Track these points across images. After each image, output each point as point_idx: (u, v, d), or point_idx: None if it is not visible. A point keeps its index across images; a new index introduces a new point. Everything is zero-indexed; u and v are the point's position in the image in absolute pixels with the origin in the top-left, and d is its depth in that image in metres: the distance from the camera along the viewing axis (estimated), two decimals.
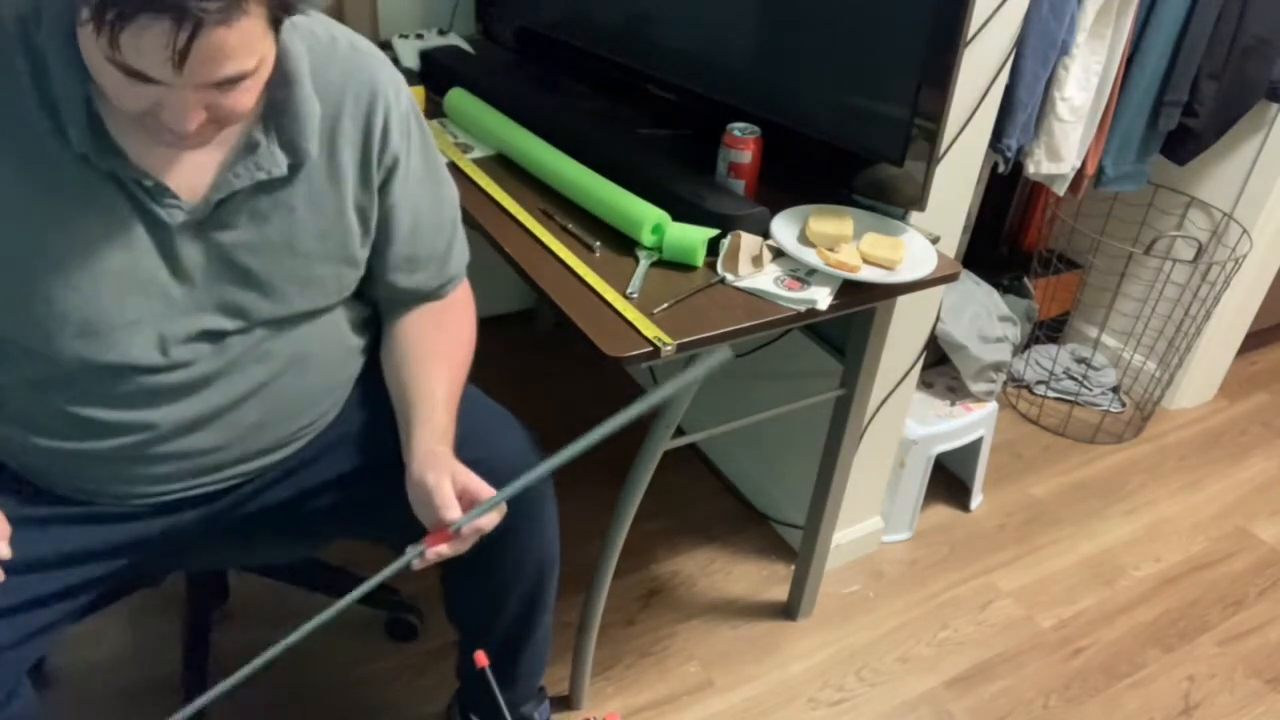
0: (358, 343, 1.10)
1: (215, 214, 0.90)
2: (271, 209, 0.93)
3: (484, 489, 0.93)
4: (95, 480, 0.99)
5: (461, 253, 1.13)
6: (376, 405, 1.09)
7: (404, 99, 1.01)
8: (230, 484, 1.05)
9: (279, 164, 0.91)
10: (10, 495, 0.98)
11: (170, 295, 0.91)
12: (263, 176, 0.91)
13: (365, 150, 0.97)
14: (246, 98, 0.81)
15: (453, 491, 0.92)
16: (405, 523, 1.11)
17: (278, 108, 0.90)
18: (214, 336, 0.95)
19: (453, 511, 0.91)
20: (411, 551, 0.89)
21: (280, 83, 0.89)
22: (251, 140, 0.90)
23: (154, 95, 0.76)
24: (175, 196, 0.88)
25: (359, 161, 0.97)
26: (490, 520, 0.93)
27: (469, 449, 1.06)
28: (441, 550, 0.91)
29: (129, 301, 0.89)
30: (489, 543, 1.11)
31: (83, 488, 0.99)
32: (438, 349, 1.07)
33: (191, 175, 0.89)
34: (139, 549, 1.03)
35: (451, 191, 1.11)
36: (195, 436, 0.98)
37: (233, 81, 0.78)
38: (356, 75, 0.96)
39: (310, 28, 0.93)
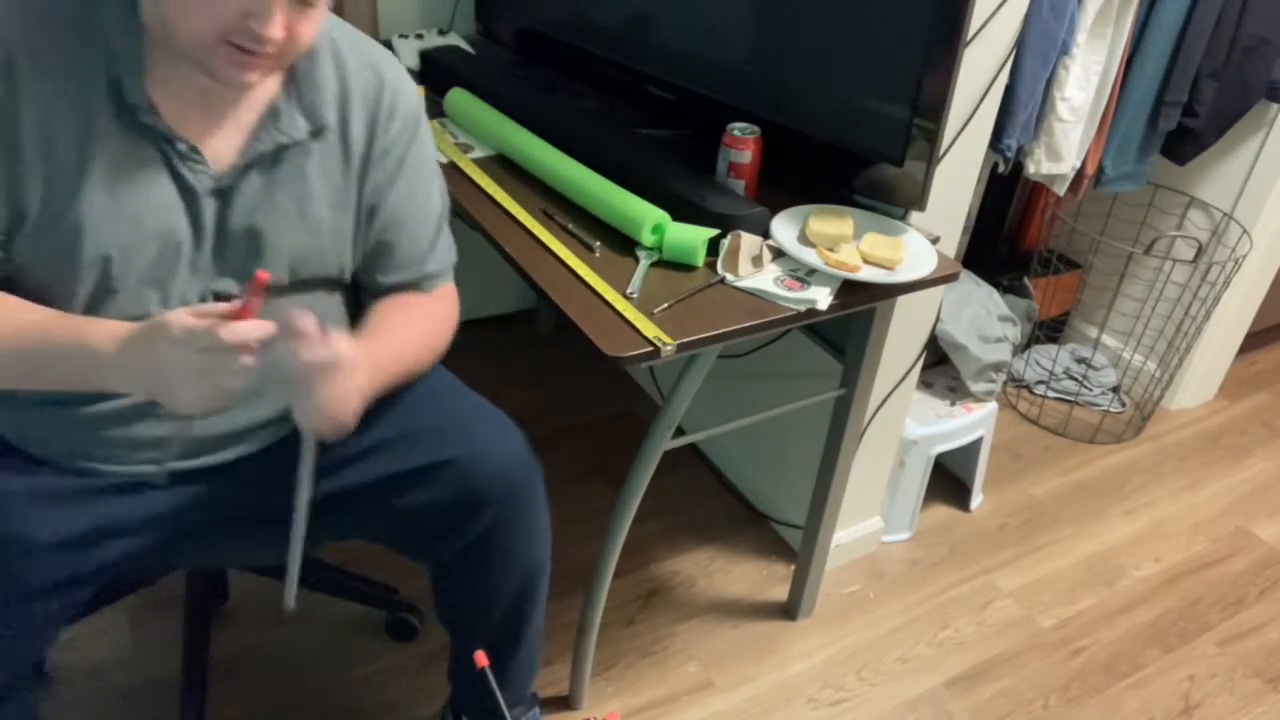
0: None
1: (236, 181, 0.95)
2: (287, 176, 0.98)
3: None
4: (97, 443, 0.99)
5: (443, 253, 1.14)
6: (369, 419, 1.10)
7: (410, 92, 1.05)
8: (228, 459, 1.06)
9: (300, 128, 0.97)
10: (9, 473, 0.98)
11: (187, 257, 0.95)
12: (284, 140, 0.96)
13: (372, 130, 1.02)
14: (312, 28, 0.88)
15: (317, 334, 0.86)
16: (399, 525, 1.11)
17: (299, 75, 0.97)
18: (218, 298, 0.98)
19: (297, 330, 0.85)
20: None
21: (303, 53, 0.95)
22: (274, 107, 0.95)
23: (245, 1, 0.82)
24: (204, 162, 0.93)
25: (367, 140, 1.02)
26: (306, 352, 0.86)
27: (458, 445, 1.06)
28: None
29: (152, 259, 0.93)
30: (477, 544, 1.11)
31: (88, 452, 1.00)
32: (392, 321, 1.07)
33: (220, 142, 0.94)
34: (144, 529, 1.03)
35: (442, 192, 1.13)
36: None
37: None
38: (368, 60, 1.02)
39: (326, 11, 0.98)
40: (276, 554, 1.28)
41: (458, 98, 1.56)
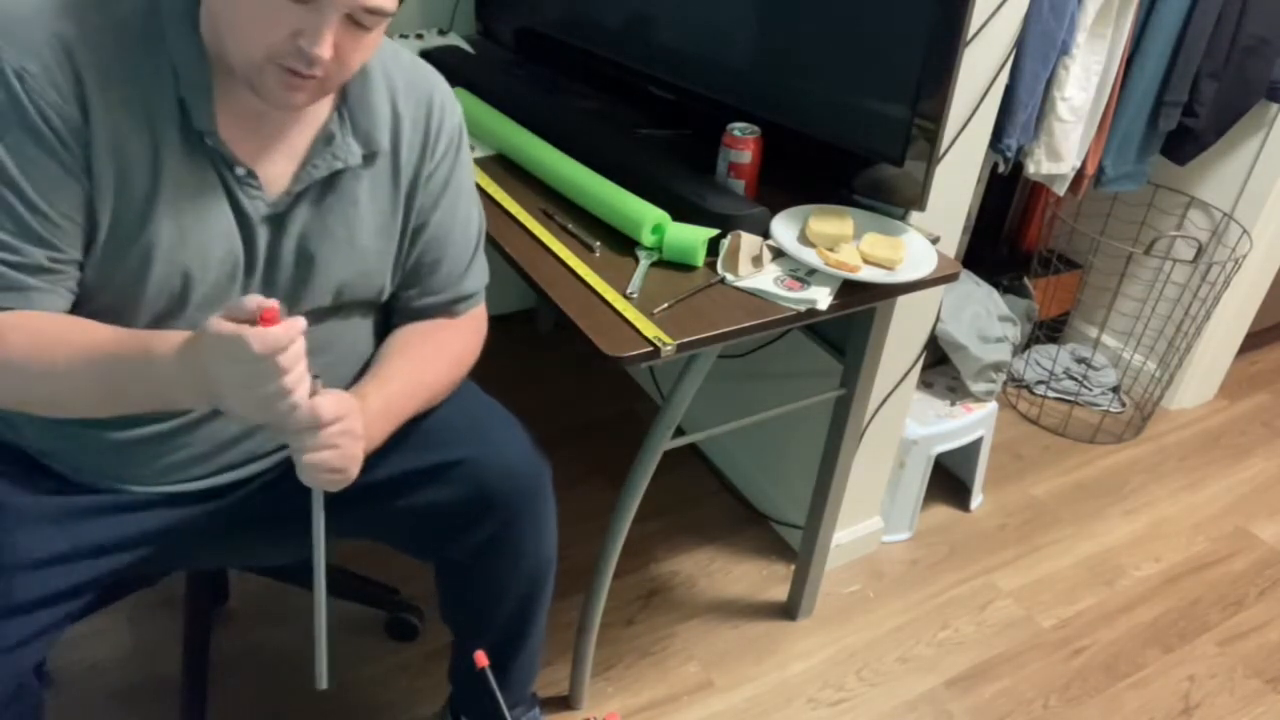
0: (368, 351, 1.11)
1: (290, 207, 0.94)
2: (338, 201, 0.97)
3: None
4: (121, 465, 0.99)
5: (479, 273, 1.13)
6: None
7: (455, 111, 1.05)
8: (243, 476, 1.06)
9: (354, 154, 0.95)
10: (22, 487, 0.98)
11: (240, 282, 0.95)
12: (339, 166, 0.95)
13: (421, 155, 1.01)
14: (363, 52, 0.87)
15: (330, 406, 0.86)
16: (408, 524, 1.11)
17: (352, 100, 0.95)
18: None
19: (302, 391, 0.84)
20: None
21: (357, 76, 0.94)
22: (328, 132, 0.94)
23: (297, 20, 0.81)
24: (260, 187, 0.92)
25: (417, 163, 1.01)
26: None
27: (470, 445, 1.07)
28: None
29: (211, 284, 0.92)
30: (486, 544, 1.11)
31: (117, 473, 1.00)
32: (409, 357, 1.07)
33: (274, 167, 0.93)
34: (151, 542, 1.03)
35: (480, 209, 1.13)
36: (222, 423, 1.00)
37: (372, 15, 0.82)
38: (419, 84, 1.01)
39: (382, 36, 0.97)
40: (279, 555, 1.28)
41: (457, 97, 1.56)
